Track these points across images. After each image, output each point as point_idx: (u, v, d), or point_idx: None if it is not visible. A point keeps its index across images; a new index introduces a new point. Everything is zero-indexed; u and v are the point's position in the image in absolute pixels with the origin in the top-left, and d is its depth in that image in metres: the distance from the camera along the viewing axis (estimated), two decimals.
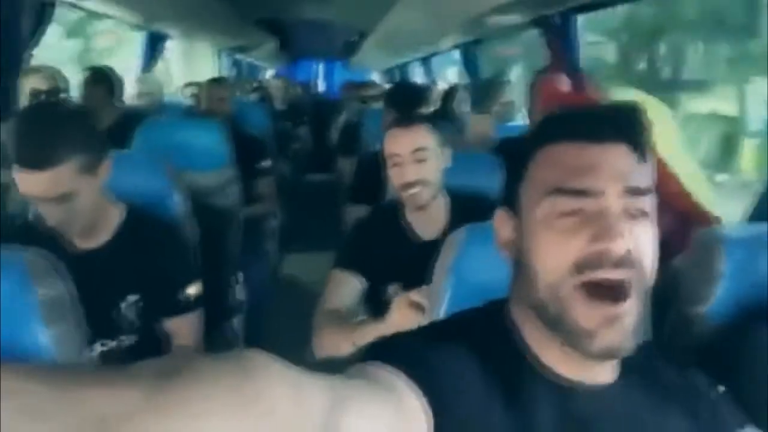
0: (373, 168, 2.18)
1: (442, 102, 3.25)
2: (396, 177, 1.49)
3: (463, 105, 3.03)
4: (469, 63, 3.89)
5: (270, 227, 3.05)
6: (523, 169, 0.65)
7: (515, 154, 0.67)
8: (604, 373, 0.64)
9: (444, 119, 2.74)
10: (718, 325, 1.02)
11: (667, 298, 1.10)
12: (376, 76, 7.93)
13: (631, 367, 0.65)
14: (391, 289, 1.45)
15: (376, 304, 1.48)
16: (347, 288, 1.48)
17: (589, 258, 0.58)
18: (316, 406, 0.42)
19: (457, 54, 4.19)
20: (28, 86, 2.29)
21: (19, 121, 1.16)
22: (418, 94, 2.80)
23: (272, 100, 5.31)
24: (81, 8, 2.64)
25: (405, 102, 2.54)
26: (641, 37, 6.99)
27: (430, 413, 0.53)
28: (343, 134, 3.82)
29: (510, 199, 0.67)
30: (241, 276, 2.44)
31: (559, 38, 2.47)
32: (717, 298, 1.02)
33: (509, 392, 0.60)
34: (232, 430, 0.36)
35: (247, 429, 0.37)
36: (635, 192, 0.60)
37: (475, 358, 0.61)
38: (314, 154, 5.58)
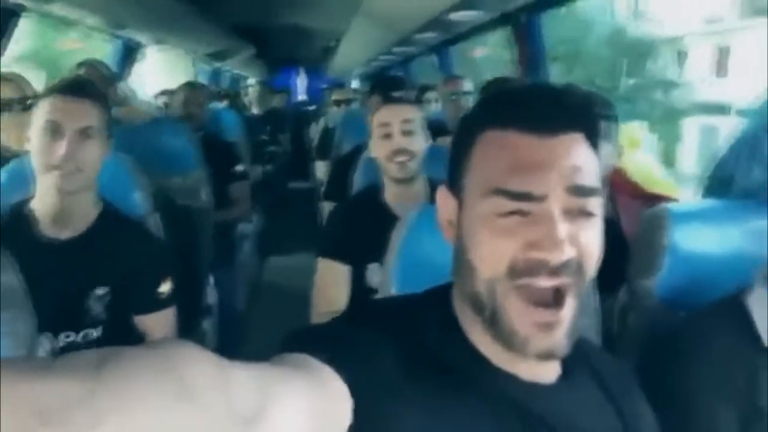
0: (345, 168, 2.24)
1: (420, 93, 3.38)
2: (385, 147, 1.57)
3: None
4: (444, 64, 3.95)
5: (244, 231, 3.06)
6: (466, 153, 0.62)
7: (460, 134, 0.65)
8: (542, 373, 0.63)
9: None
10: (666, 301, 1.05)
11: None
12: (356, 83, 7.97)
13: (571, 367, 0.65)
14: (370, 268, 1.48)
15: (357, 286, 1.52)
16: (335, 276, 1.53)
17: (525, 265, 0.56)
18: (242, 393, 0.41)
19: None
20: None
21: None
22: (400, 81, 3.08)
23: (249, 107, 5.33)
24: (47, 15, 2.63)
25: (390, 87, 2.73)
26: None
27: (352, 395, 0.52)
28: (320, 139, 3.90)
29: (453, 182, 0.64)
30: (212, 279, 2.44)
31: (526, 36, 2.51)
32: (663, 272, 1.04)
33: (445, 375, 0.59)
34: (162, 417, 0.36)
35: (175, 415, 0.36)
36: (582, 192, 0.57)
37: (410, 342, 0.59)
38: (294, 161, 5.60)
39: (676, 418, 0.80)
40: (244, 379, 0.42)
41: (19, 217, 1.28)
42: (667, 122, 15.00)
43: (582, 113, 0.60)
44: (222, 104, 4.66)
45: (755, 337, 0.85)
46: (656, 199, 1.42)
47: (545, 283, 0.56)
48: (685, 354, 0.88)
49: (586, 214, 0.58)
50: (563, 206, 0.56)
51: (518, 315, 0.57)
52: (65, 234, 1.29)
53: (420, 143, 1.57)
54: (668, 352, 0.91)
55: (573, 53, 15.25)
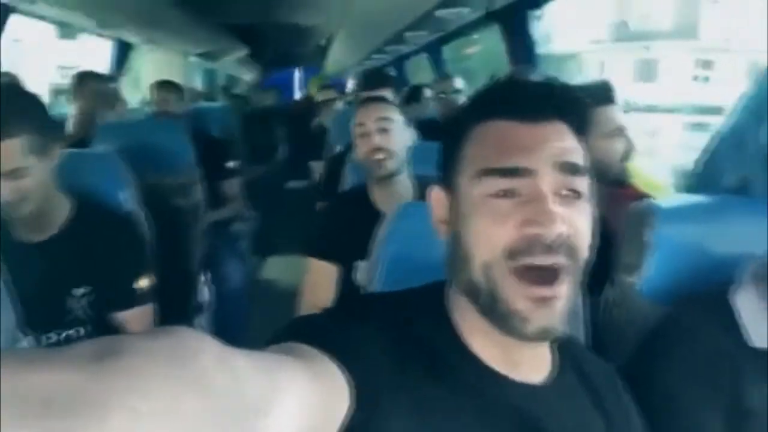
0: (338, 167, 2.24)
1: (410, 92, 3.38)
2: (362, 146, 1.58)
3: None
4: (435, 62, 3.95)
5: (238, 230, 3.05)
6: (458, 147, 0.64)
7: (450, 131, 0.66)
8: (531, 373, 0.63)
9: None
10: (650, 296, 1.05)
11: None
12: (350, 83, 7.97)
13: (560, 368, 0.66)
14: (359, 266, 1.49)
15: (345, 283, 1.52)
16: (323, 276, 1.54)
17: (521, 243, 0.57)
18: (250, 381, 0.41)
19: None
20: None
21: None
22: (384, 76, 3.07)
23: (244, 106, 5.33)
24: (36, 15, 2.62)
25: (372, 83, 2.73)
26: None
27: (349, 387, 0.53)
28: (314, 138, 3.89)
29: (445, 178, 0.65)
30: (206, 276, 2.44)
31: (515, 33, 2.52)
32: (648, 267, 1.04)
33: (437, 372, 0.59)
34: (171, 406, 0.36)
35: (184, 404, 0.36)
36: (570, 169, 0.59)
37: (403, 337, 0.60)
38: (291, 161, 5.59)
39: (659, 413, 0.79)
40: (250, 368, 0.43)
41: None
42: None
43: (563, 103, 0.62)
44: (216, 104, 4.66)
45: (740, 335, 0.84)
46: (645, 196, 1.42)
47: (542, 261, 0.57)
48: (669, 349, 0.88)
49: (576, 194, 0.60)
50: (553, 185, 0.58)
51: (516, 293, 0.58)
52: (39, 236, 1.28)
53: (398, 141, 1.58)
54: (652, 348, 0.91)
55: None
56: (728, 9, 18.68)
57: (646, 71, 18.94)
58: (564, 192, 0.59)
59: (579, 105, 0.63)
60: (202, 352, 0.40)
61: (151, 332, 0.40)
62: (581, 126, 0.63)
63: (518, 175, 0.58)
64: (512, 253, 0.58)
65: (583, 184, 0.60)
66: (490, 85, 0.67)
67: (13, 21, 2.37)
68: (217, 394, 0.38)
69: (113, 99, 2.56)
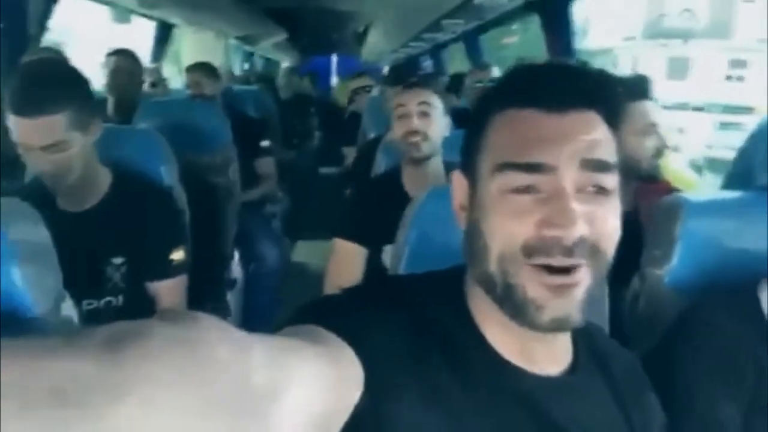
0: (370, 153, 2.27)
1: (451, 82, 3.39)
2: (401, 127, 1.61)
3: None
4: (472, 51, 3.92)
5: (271, 211, 3.11)
6: (480, 134, 0.61)
7: (474, 117, 0.64)
8: (548, 366, 0.62)
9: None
10: (677, 289, 1.04)
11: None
12: (386, 71, 7.96)
13: (580, 361, 0.64)
14: (386, 249, 1.50)
15: (372, 266, 1.54)
16: (350, 257, 1.56)
17: (539, 244, 0.55)
18: (261, 368, 0.42)
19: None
20: None
21: (19, 72, 1.23)
22: (413, 70, 3.06)
23: (278, 91, 5.37)
24: None
25: (403, 76, 2.77)
26: None
27: (363, 372, 0.52)
28: (347, 124, 3.91)
29: (467, 165, 0.63)
30: (237, 254, 2.49)
31: (554, 23, 2.49)
32: (675, 261, 1.04)
33: (452, 361, 0.58)
34: (182, 390, 0.36)
35: (195, 392, 0.37)
36: (596, 166, 0.56)
37: (419, 323, 0.59)
38: (323, 147, 5.63)
39: (679, 405, 0.79)
40: (263, 354, 0.42)
41: (38, 190, 1.30)
42: None
43: (595, 91, 0.58)
44: (253, 87, 4.71)
45: (764, 330, 0.84)
46: (675, 191, 1.41)
47: (560, 262, 0.55)
48: (691, 341, 0.87)
49: (602, 191, 0.56)
50: (576, 182, 0.55)
51: (532, 281, 0.56)
52: (81, 207, 1.34)
53: (436, 127, 1.60)
54: (676, 339, 0.90)
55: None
56: (764, 9, 18.26)
57: (679, 69, 18.97)
58: (589, 189, 0.56)
59: (612, 93, 0.59)
60: (220, 343, 0.39)
61: (171, 318, 0.40)
62: (614, 116, 0.59)
63: (539, 171, 0.55)
64: (529, 252, 0.55)
65: (611, 180, 0.56)
66: (515, 70, 0.63)
67: (68, 4, 2.43)
68: (230, 383, 0.39)
69: (140, 78, 2.62)
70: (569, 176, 0.55)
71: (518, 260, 0.56)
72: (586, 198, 0.55)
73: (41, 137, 1.17)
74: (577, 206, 0.54)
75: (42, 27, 2.25)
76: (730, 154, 1.33)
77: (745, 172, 1.32)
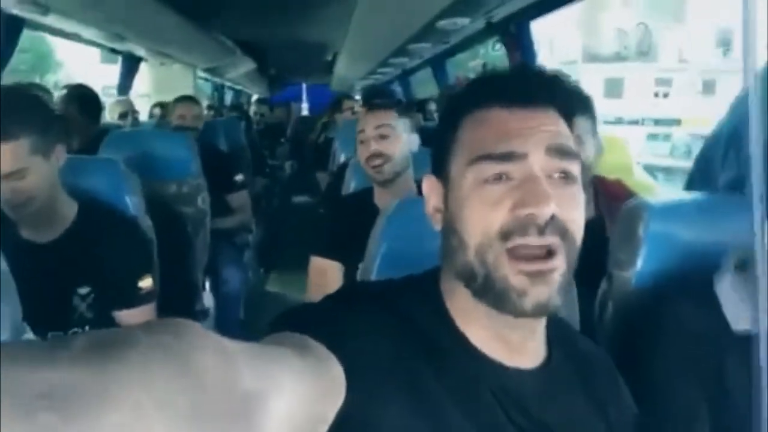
0: (343, 176, 2.27)
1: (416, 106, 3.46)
2: (362, 152, 1.65)
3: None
4: (439, 75, 4.00)
5: (243, 240, 3.08)
6: (452, 134, 0.65)
7: (445, 119, 0.67)
8: (524, 359, 0.64)
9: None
10: (643, 292, 1.06)
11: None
12: (357, 97, 8.03)
13: (553, 355, 0.66)
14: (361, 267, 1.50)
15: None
16: (328, 273, 1.57)
17: (514, 224, 0.58)
18: (244, 374, 0.42)
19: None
20: None
21: None
22: (386, 91, 3.09)
23: (250, 121, 5.39)
24: (44, 27, 2.68)
25: (374, 95, 2.74)
26: None
27: (344, 376, 0.53)
28: (320, 151, 3.92)
29: (439, 166, 0.66)
30: (207, 284, 2.46)
31: (516, 45, 2.55)
32: (641, 263, 1.05)
33: (432, 360, 0.60)
34: (169, 397, 0.36)
35: (180, 397, 0.37)
36: (561, 152, 0.60)
37: (397, 324, 0.60)
38: (296, 176, 5.63)
39: (649, 398, 0.82)
40: (246, 361, 0.43)
41: (2, 221, 1.27)
42: None
43: (553, 89, 0.64)
44: (223, 118, 4.71)
45: (724, 322, 0.87)
46: (634, 195, 1.44)
47: (535, 242, 0.58)
48: (660, 336, 0.90)
49: (568, 178, 0.61)
50: (544, 168, 0.60)
51: (511, 270, 0.58)
52: (46, 237, 1.31)
53: (397, 146, 1.63)
54: (643, 334, 0.93)
55: None
56: (682, 34, 22.72)
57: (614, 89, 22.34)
58: (556, 175, 0.60)
59: (567, 92, 0.66)
60: (202, 348, 0.40)
61: (152, 325, 0.40)
62: (570, 112, 0.64)
63: (512, 159, 0.59)
64: (505, 234, 0.58)
65: (574, 167, 0.61)
66: (484, 74, 0.68)
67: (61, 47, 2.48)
68: (214, 389, 0.39)
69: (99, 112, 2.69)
70: (538, 162, 0.59)
71: (496, 247, 0.59)
72: (554, 183, 0.60)
73: (2, 164, 1.15)
74: (546, 185, 0.59)
75: (11, 50, 2.24)
76: (657, 161, 1.40)
77: (704, 174, 1.36)
